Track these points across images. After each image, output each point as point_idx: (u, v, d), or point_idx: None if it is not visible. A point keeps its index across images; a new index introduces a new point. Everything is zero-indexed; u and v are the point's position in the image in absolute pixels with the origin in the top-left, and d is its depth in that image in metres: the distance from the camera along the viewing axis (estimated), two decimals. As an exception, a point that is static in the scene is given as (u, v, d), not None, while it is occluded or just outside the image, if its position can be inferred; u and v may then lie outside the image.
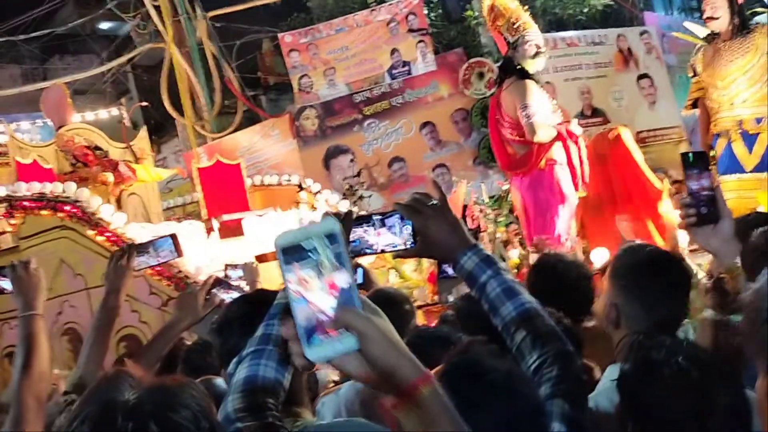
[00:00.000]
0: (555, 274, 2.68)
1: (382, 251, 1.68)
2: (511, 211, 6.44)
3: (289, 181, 7.28)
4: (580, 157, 5.37)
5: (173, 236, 2.59)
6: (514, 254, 6.13)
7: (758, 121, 5.56)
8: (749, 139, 5.54)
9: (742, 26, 5.65)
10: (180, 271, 5.15)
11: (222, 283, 2.68)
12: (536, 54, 5.45)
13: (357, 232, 1.69)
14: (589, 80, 11.03)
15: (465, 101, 11.19)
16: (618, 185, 5.40)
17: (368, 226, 1.67)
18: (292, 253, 0.98)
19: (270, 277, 4.17)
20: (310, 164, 10.95)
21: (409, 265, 6.07)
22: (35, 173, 5.71)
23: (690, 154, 1.75)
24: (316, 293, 0.98)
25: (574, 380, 1.51)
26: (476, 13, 10.86)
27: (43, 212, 5.28)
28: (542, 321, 1.57)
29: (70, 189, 5.31)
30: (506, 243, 6.50)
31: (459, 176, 9.94)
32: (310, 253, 0.98)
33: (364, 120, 11.39)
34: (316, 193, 7.14)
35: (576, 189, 5.39)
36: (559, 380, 1.47)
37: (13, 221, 5.36)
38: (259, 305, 1.97)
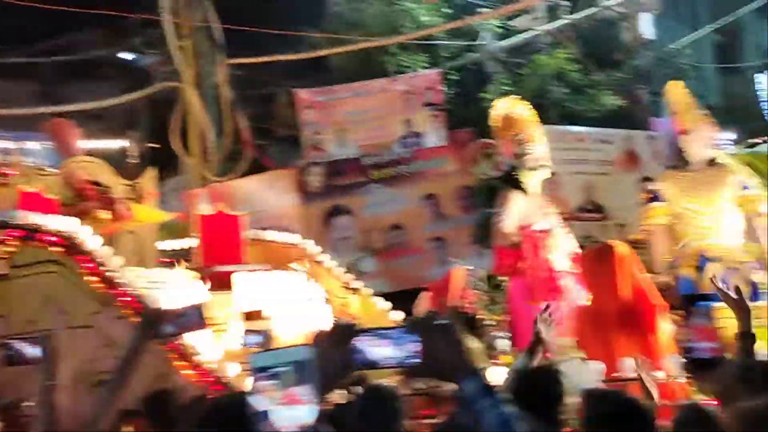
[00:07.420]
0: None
1: (384, 366, 1.70)
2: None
3: (290, 241, 7.12)
4: (535, 266, 5.45)
5: (199, 307, 2.57)
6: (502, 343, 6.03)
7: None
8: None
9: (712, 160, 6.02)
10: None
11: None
12: (536, 168, 5.74)
13: (358, 343, 1.71)
14: (593, 176, 11.17)
15: (470, 179, 11.28)
16: (616, 299, 5.41)
17: (371, 337, 1.70)
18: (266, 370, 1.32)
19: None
20: (309, 220, 10.95)
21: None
22: (37, 203, 5.68)
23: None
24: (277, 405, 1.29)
25: None
26: (492, 97, 11.06)
27: (35, 243, 5.21)
28: None
29: (69, 224, 5.27)
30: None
31: (457, 252, 9.97)
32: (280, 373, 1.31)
33: (369, 183, 11.46)
34: (316, 259, 6.97)
35: (529, 299, 5.43)
36: None
37: (7, 249, 5.28)
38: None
